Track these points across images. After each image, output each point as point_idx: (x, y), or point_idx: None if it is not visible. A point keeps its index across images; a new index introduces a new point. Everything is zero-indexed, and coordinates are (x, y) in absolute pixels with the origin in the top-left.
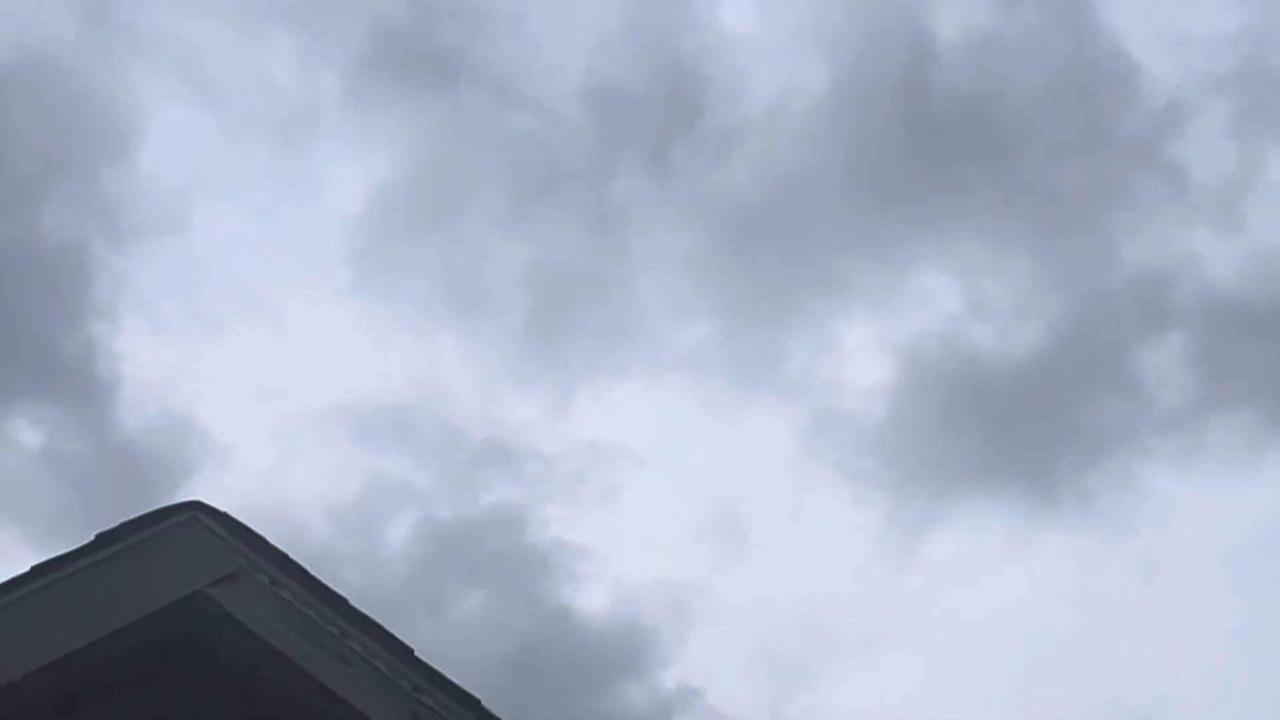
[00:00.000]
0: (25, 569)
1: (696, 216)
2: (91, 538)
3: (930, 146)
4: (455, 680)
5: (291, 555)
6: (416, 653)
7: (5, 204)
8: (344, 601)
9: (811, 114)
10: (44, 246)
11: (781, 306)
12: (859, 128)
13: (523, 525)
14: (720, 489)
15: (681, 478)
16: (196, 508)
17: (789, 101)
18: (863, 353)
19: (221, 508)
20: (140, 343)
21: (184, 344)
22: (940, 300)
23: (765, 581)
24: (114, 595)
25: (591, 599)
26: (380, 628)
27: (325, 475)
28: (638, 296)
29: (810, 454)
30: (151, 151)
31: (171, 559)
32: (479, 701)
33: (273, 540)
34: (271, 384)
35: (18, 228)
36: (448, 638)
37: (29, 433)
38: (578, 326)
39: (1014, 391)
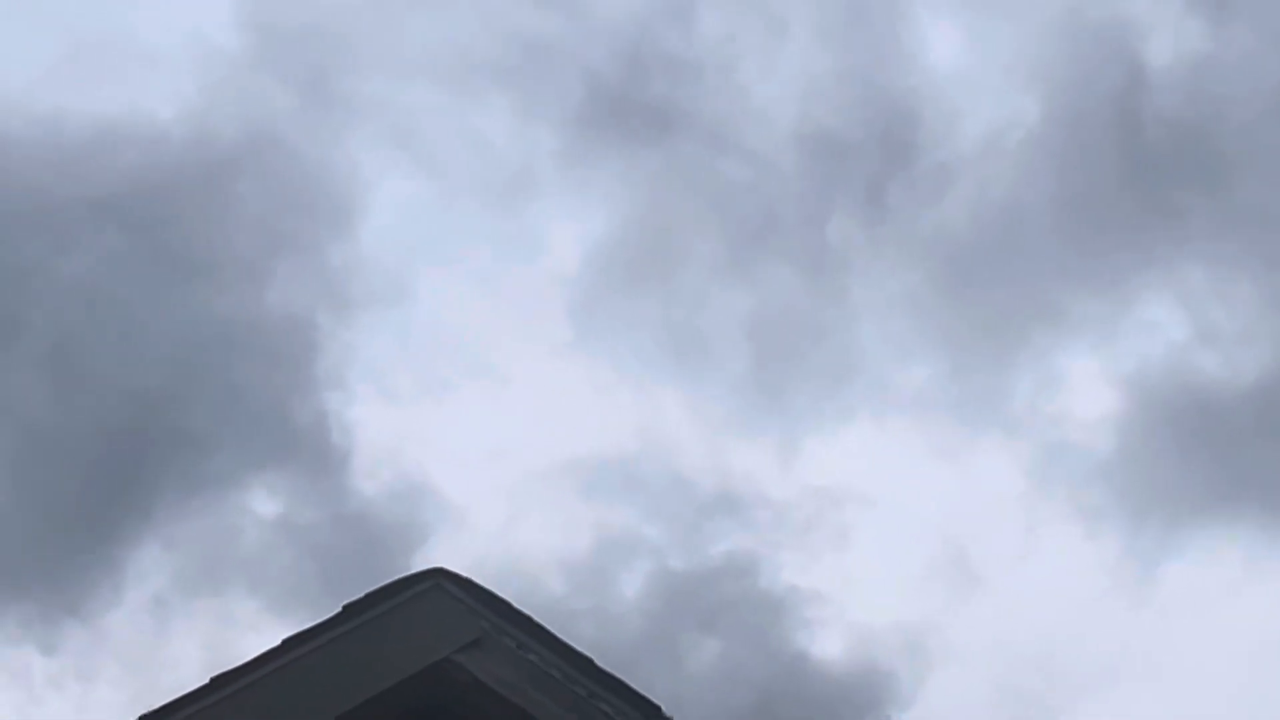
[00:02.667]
0: (273, 641)
1: (914, 256)
2: (338, 609)
3: (1147, 174)
4: None
5: (535, 617)
6: (664, 710)
7: (233, 280)
8: (589, 662)
9: (1025, 147)
10: (272, 320)
11: (1004, 342)
12: (1074, 158)
13: (755, 572)
14: (950, 528)
15: (911, 518)
16: (439, 574)
17: (1002, 136)
18: (1088, 385)
19: (463, 573)
20: (371, 410)
21: (414, 409)
22: (1164, 329)
23: (1000, 619)
24: (364, 665)
25: (827, 644)
26: (627, 686)
27: (556, 531)
28: (858, 339)
29: (1039, 489)
30: (373, 221)
31: (417, 627)
32: None
33: (513, 602)
34: (500, 443)
35: (246, 303)
36: (685, 689)
37: (266, 503)
38: (800, 372)
39: (1244, 417)
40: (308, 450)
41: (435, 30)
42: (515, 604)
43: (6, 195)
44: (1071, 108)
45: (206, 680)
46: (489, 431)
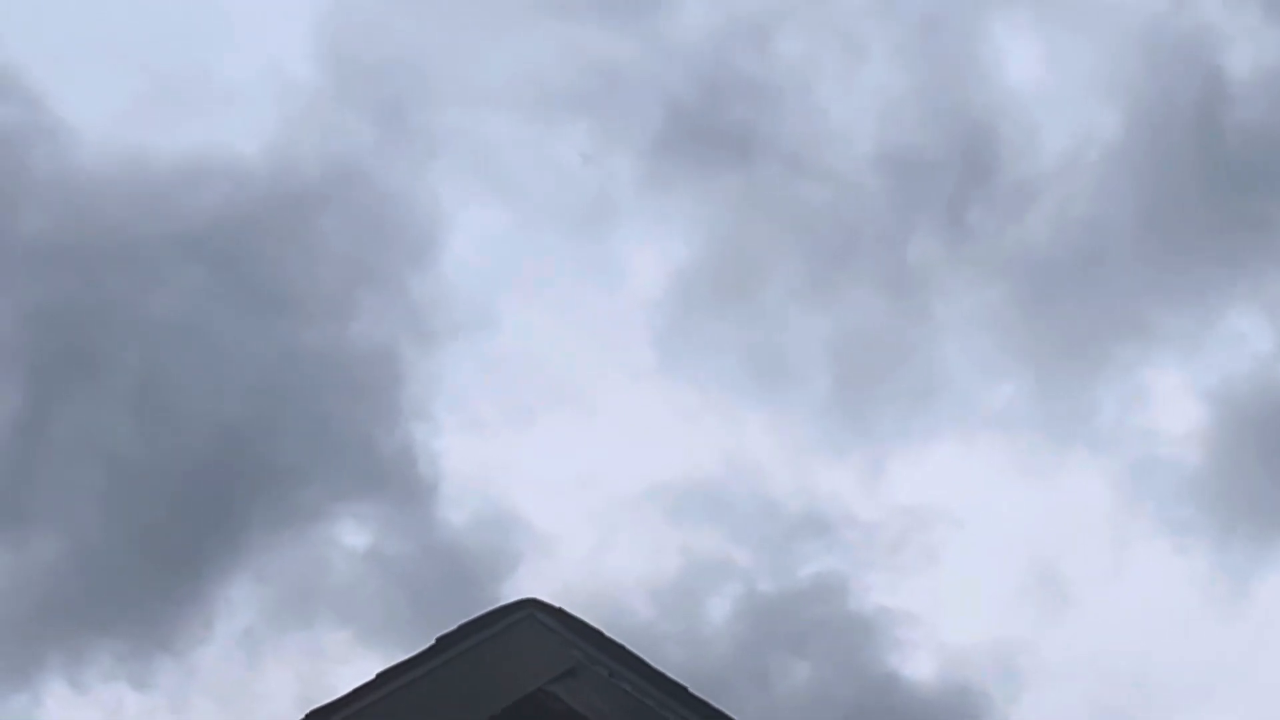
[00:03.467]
0: (365, 674)
1: (996, 274)
2: (431, 641)
3: (1230, 185)
4: None
5: (628, 645)
6: None
7: (318, 313)
8: (682, 689)
9: (1106, 161)
10: (356, 352)
11: (1089, 358)
12: (1156, 171)
13: (844, 594)
14: (1039, 545)
15: (999, 536)
16: (531, 605)
17: (1082, 150)
18: (1175, 399)
19: (554, 602)
20: (457, 440)
21: (499, 438)
22: (1251, 340)
23: (1091, 637)
24: (458, 698)
25: (918, 665)
26: (720, 713)
27: (644, 556)
28: (942, 357)
29: (1128, 505)
30: (455, 251)
31: (511, 658)
32: None
33: (603, 629)
34: (586, 469)
35: (331, 335)
36: (775, 712)
37: (355, 535)
38: (884, 392)
39: None
40: (395, 481)
41: (512, 59)
42: (607, 632)
43: (91, 233)
44: (1152, 120)
45: (301, 716)
46: (575, 458)
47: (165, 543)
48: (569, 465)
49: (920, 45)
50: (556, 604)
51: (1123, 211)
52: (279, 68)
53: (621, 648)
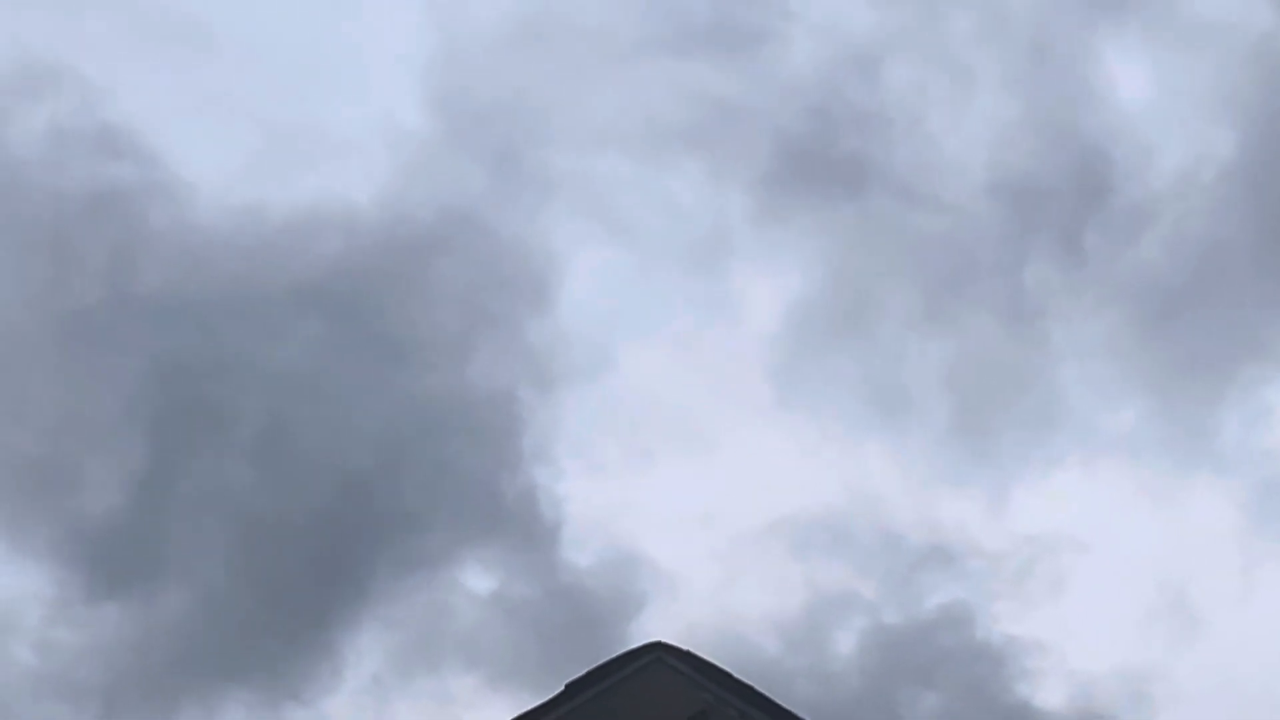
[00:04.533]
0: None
1: (1114, 297)
2: (560, 688)
3: None
4: None
5: (756, 685)
6: None
7: (436, 359)
8: None
9: (1221, 180)
10: (476, 397)
11: (1211, 379)
12: (1272, 188)
13: (971, 624)
14: (1167, 569)
15: (1126, 561)
16: (660, 648)
17: (1197, 170)
18: None
19: (682, 644)
20: (579, 482)
21: (621, 478)
22: None
23: (1223, 660)
24: None
25: (1048, 693)
26: None
27: (769, 592)
28: (1062, 384)
29: (1255, 526)
30: (571, 292)
31: (642, 702)
32: None
33: (732, 670)
34: (708, 507)
35: (450, 381)
36: None
37: (480, 579)
38: (1004, 420)
39: None
40: (518, 525)
41: (623, 98)
42: (735, 673)
43: (211, 287)
44: (1265, 137)
45: None
46: (697, 496)
47: (292, 592)
48: (691, 503)
49: (1030, 71)
50: (684, 646)
51: (1240, 230)
52: (391, 117)
53: (750, 688)
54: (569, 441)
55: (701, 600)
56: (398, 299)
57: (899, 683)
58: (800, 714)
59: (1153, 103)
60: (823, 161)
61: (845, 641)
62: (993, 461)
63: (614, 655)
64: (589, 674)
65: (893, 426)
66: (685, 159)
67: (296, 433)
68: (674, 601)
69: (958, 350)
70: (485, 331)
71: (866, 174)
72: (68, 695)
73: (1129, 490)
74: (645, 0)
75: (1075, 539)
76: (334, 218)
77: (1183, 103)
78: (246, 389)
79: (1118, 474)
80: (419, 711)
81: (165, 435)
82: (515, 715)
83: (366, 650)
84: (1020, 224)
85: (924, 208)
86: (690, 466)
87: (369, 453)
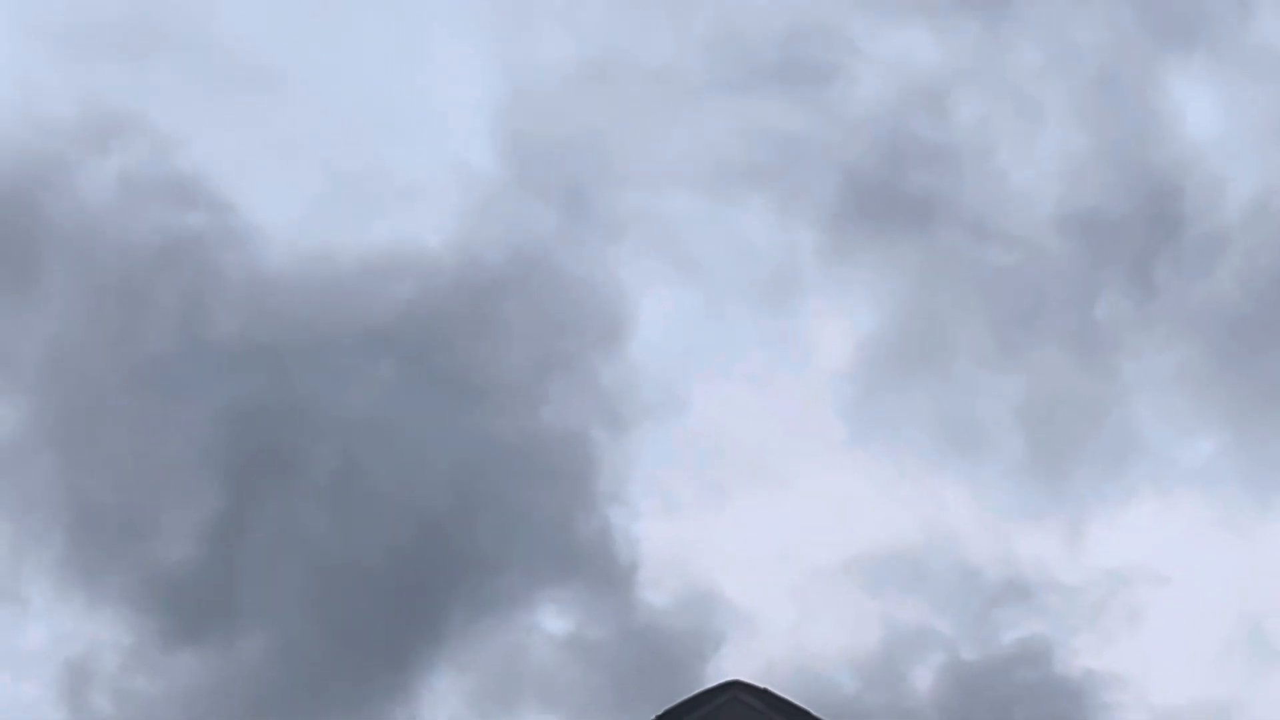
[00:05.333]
0: None
1: (1186, 329)
2: None
3: None
4: None
5: None
6: None
7: (508, 401)
8: None
9: None
10: (549, 438)
11: None
12: None
13: (1050, 659)
14: (1246, 601)
15: (1205, 593)
16: (737, 687)
17: (1269, 199)
18: None
19: (759, 683)
20: (654, 522)
21: (695, 518)
22: None
23: None
24: None
25: None
26: None
27: (845, 629)
28: (1136, 416)
29: None
30: (641, 332)
31: None
32: None
33: (809, 708)
34: (784, 545)
35: (522, 423)
36: None
37: (555, 620)
38: (1079, 453)
39: None
40: (593, 565)
41: (691, 137)
42: (812, 711)
43: (282, 332)
44: None
45: None
46: (772, 534)
47: (368, 635)
48: (766, 541)
49: (1098, 103)
50: (761, 684)
51: None
52: (460, 160)
53: None
54: (643, 481)
55: (778, 638)
56: (469, 341)
57: (977, 719)
58: None
59: (1223, 133)
60: (891, 197)
61: (922, 678)
62: (1068, 495)
63: (691, 694)
64: (666, 713)
65: (967, 462)
66: (754, 196)
67: (370, 476)
68: (750, 640)
69: (1030, 384)
70: (557, 372)
71: (935, 209)
72: None
73: (1206, 522)
74: (712, 38)
75: (1153, 572)
76: (405, 261)
77: (1253, 132)
78: (319, 433)
79: (1195, 506)
80: None
81: (239, 481)
82: None
83: (443, 693)
84: (1091, 257)
85: (994, 242)
86: (765, 504)
87: (443, 495)
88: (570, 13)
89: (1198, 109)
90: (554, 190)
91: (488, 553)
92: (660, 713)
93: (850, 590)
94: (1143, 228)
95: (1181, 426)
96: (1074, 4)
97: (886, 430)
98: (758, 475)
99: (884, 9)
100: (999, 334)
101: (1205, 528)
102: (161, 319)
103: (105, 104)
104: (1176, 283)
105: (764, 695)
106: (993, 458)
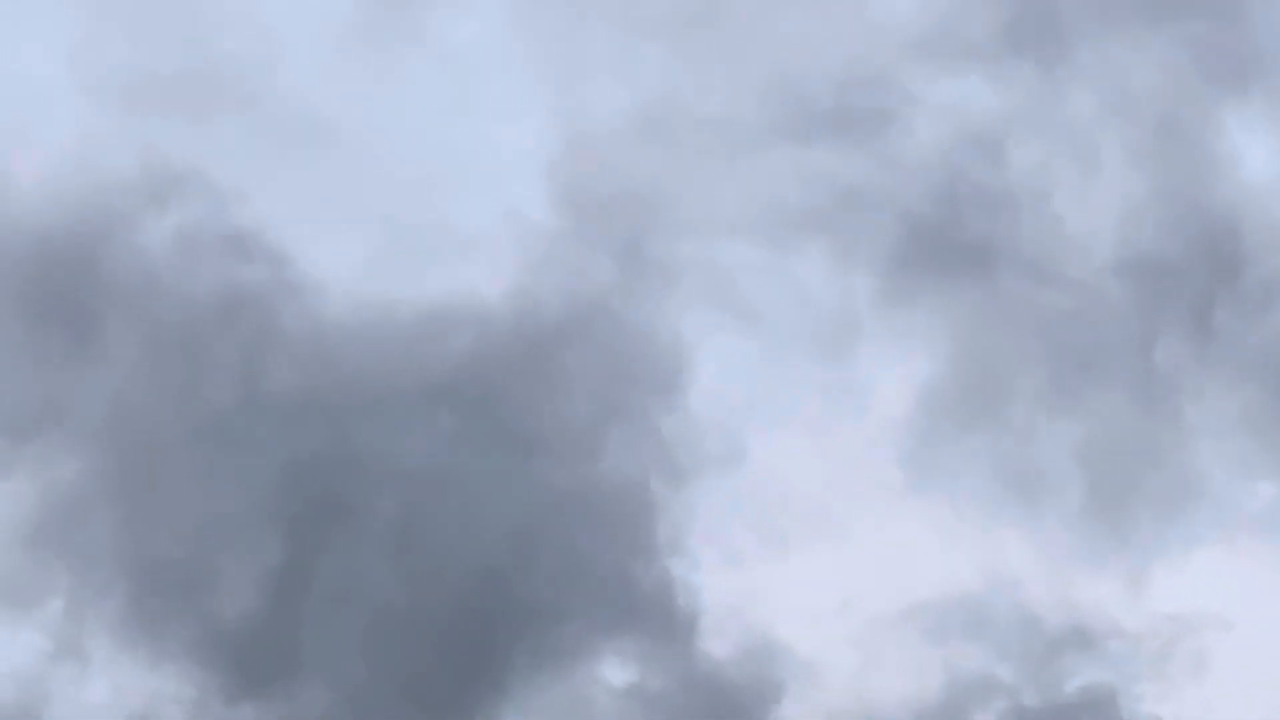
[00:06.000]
0: None
1: (1247, 372)
2: None
3: None
4: None
5: None
6: None
7: (567, 452)
8: None
9: None
10: (609, 489)
11: None
12: None
13: (1113, 706)
14: None
15: (1271, 639)
16: None
17: None
18: None
19: None
20: (715, 572)
21: (756, 568)
22: None
23: None
24: None
25: None
26: None
27: (907, 678)
28: (1197, 461)
29: None
30: (700, 381)
31: None
32: None
33: None
34: (845, 594)
35: (582, 474)
36: None
37: (618, 671)
38: (1140, 498)
39: None
40: (655, 616)
41: (746, 184)
42: None
43: (341, 384)
44: None
45: None
46: (833, 583)
47: (430, 687)
48: (826, 590)
49: (1155, 147)
50: None
51: None
52: (516, 211)
53: None
54: (703, 531)
55: (839, 687)
56: (528, 392)
57: None
58: None
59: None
60: (949, 243)
61: None
62: (1130, 541)
63: None
64: None
65: (1027, 508)
66: (811, 244)
67: (430, 528)
68: (812, 689)
69: (1090, 430)
70: (616, 422)
71: (993, 254)
72: None
73: (1271, 566)
74: (767, 86)
75: (1217, 617)
76: (463, 313)
77: None
78: (379, 485)
79: (1258, 550)
80: None
81: (300, 534)
82: None
83: None
84: (1149, 301)
85: (1051, 287)
86: (825, 553)
87: (503, 546)
88: (624, 62)
89: (1255, 151)
90: (611, 240)
91: (549, 603)
92: None
93: (911, 638)
94: (1202, 271)
95: (1244, 470)
96: (1130, 47)
97: (946, 477)
98: (817, 524)
99: (939, 55)
100: (1058, 379)
101: (1269, 572)
102: (221, 372)
103: (163, 158)
104: (1236, 326)
105: None
106: (1053, 504)
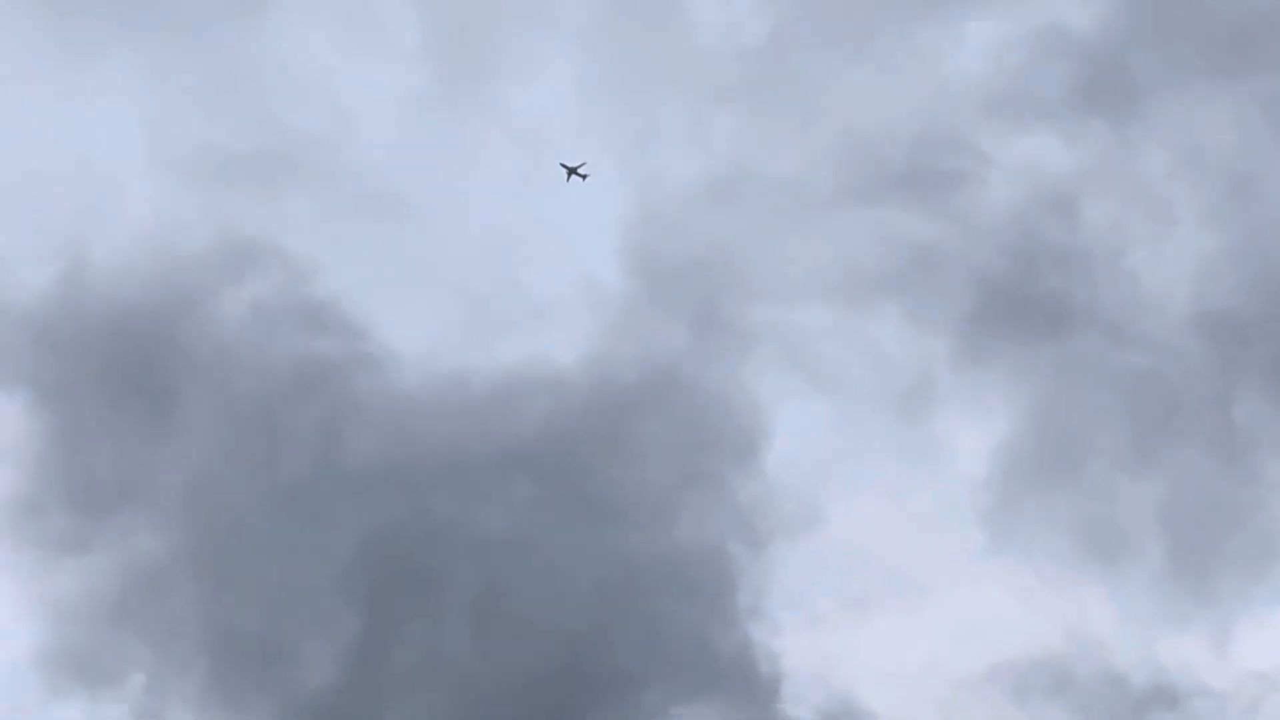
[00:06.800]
0: None
1: None
2: None
3: None
4: None
5: None
6: None
7: (644, 518)
8: None
9: None
10: (686, 554)
11: None
12: None
13: None
14: None
15: None
16: None
17: None
18: None
19: None
20: (795, 636)
21: (837, 631)
22: None
23: None
24: None
25: None
26: None
27: None
28: (1279, 517)
29: None
30: (777, 445)
31: None
32: None
33: None
34: (926, 654)
35: (659, 539)
36: None
37: None
38: (1222, 556)
39: None
40: (735, 680)
41: (819, 248)
42: None
43: (420, 454)
44: None
45: None
46: (913, 645)
47: None
48: (908, 652)
49: (1229, 201)
50: None
51: None
52: (590, 279)
53: None
54: (782, 595)
55: None
56: (604, 459)
57: None
58: None
59: None
60: (1024, 302)
61: None
62: (1213, 598)
63: None
64: None
65: (1108, 567)
66: (886, 305)
67: (509, 595)
68: None
69: (1170, 488)
70: (693, 488)
71: (1068, 313)
72: None
73: None
74: (839, 149)
75: None
76: (539, 380)
77: None
78: (458, 554)
79: None
80: None
81: (379, 604)
82: None
83: None
84: (1227, 357)
85: (1128, 344)
86: (906, 615)
87: (582, 613)
88: (694, 128)
89: None
90: (685, 305)
91: (629, 669)
92: None
93: (994, 700)
94: (1278, 326)
95: None
96: (1201, 104)
97: (1026, 537)
98: (897, 586)
99: (1011, 115)
100: (1136, 437)
101: None
102: (298, 444)
103: (239, 234)
104: None
105: None
106: (1134, 563)
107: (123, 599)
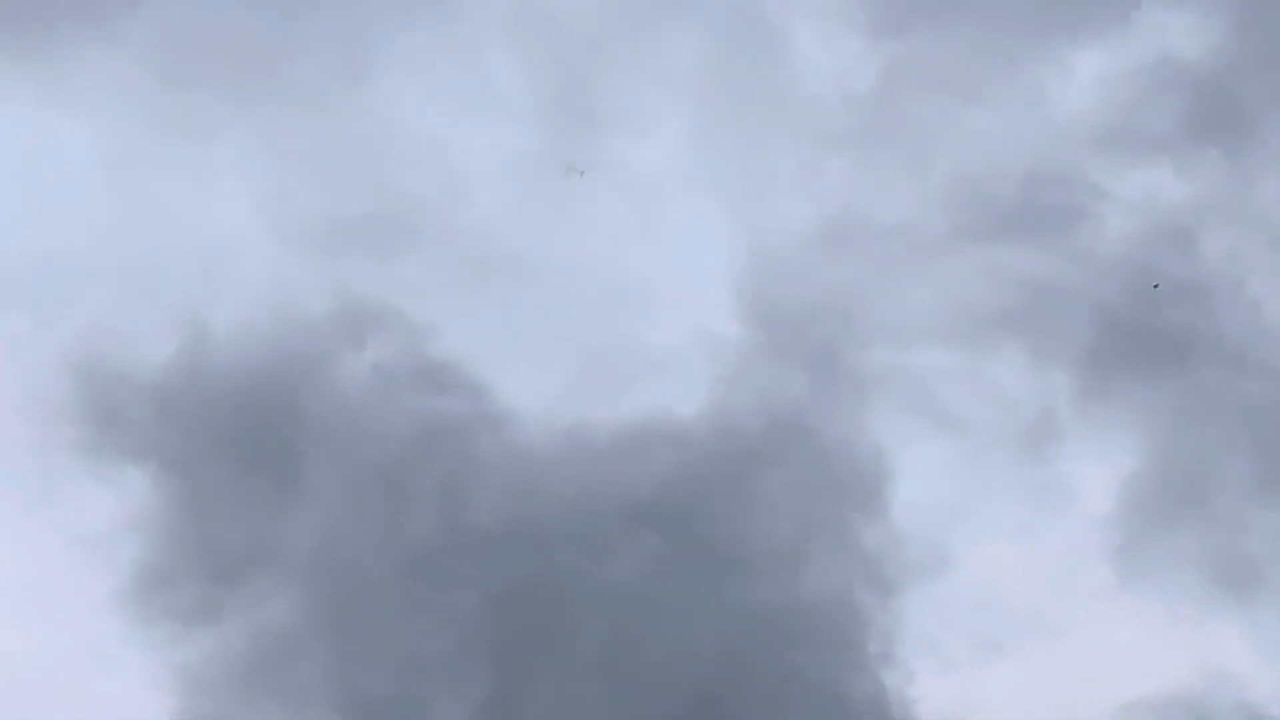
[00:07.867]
0: None
1: None
2: None
3: None
4: None
5: None
6: None
7: (770, 568)
8: None
9: None
10: (813, 603)
11: None
12: None
13: None
14: None
15: None
16: None
17: None
18: None
19: None
20: (929, 682)
21: (971, 675)
22: None
23: None
24: None
25: None
26: None
27: None
28: None
29: None
30: (901, 489)
31: None
32: None
33: None
34: (1062, 695)
35: (785, 589)
36: None
37: None
38: None
39: None
40: None
41: (937, 288)
42: None
43: (541, 510)
44: None
45: None
46: (1048, 685)
47: None
48: (1043, 693)
49: None
50: None
51: None
52: (706, 328)
53: None
54: (913, 640)
55: None
56: (729, 509)
57: None
58: None
59: None
60: (1145, 335)
61: None
62: None
63: None
64: None
65: (1242, 600)
66: (1005, 344)
67: (638, 650)
68: None
69: None
70: (819, 536)
71: (1190, 345)
72: None
73: None
74: (951, 188)
75: None
76: (660, 432)
77: None
78: (585, 609)
79: None
80: None
81: (508, 662)
82: None
83: None
84: None
85: (1252, 375)
86: (1039, 656)
87: (712, 665)
88: (805, 174)
89: None
90: (803, 352)
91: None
92: None
93: None
94: None
95: None
96: None
97: (1157, 573)
98: (1029, 627)
99: (1123, 147)
100: (1264, 467)
101: None
102: (423, 505)
103: (357, 298)
104: None
105: None
106: (1268, 594)
107: (254, 666)
